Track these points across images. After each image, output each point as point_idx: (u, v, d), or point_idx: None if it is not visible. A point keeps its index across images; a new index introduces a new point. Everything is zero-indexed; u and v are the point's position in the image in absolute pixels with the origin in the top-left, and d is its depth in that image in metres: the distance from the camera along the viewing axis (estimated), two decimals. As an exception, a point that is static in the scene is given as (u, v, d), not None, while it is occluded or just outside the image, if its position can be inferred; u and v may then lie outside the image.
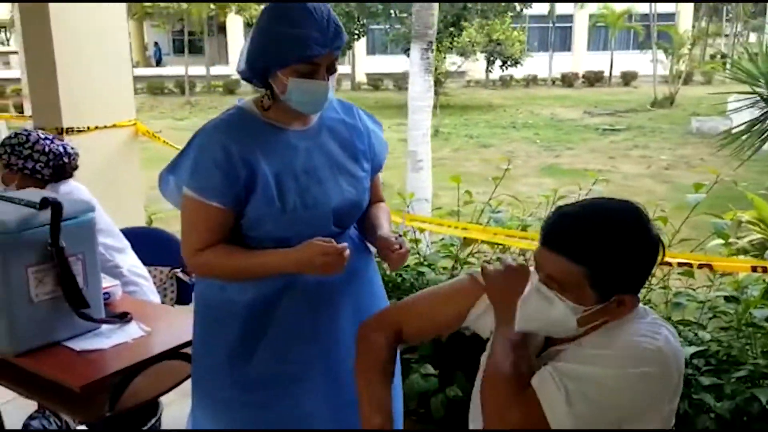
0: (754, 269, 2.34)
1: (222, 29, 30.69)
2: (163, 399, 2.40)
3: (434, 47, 5.44)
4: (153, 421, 2.36)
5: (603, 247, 1.23)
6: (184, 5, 22.42)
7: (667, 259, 2.48)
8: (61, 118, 3.63)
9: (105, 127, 3.86)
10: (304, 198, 1.64)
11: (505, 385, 1.28)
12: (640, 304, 1.36)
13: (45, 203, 1.82)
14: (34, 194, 1.94)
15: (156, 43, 32.62)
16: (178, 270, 2.88)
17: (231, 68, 28.89)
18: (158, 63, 31.87)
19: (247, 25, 27.79)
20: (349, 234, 1.77)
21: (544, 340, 1.41)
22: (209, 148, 1.60)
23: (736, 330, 2.56)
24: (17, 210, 1.83)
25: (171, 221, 5.33)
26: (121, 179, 3.94)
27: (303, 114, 1.70)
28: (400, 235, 1.76)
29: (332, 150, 1.73)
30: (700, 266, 2.36)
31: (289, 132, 1.69)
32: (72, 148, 2.55)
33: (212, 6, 23.38)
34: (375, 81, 26.30)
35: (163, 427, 2.50)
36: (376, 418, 1.44)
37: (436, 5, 5.43)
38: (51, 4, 3.53)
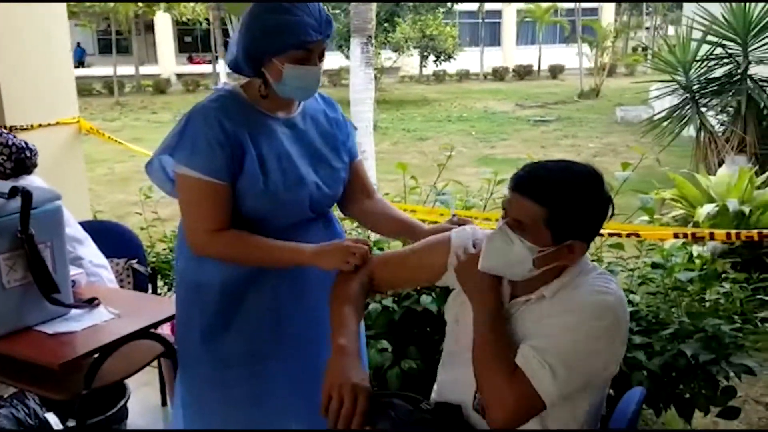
0: (676, 236, 2.57)
1: (149, 28, 29.98)
2: (130, 384, 2.47)
3: (373, 41, 5.59)
4: (121, 403, 2.42)
5: (561, 190, 1.42)
6: (111, 4, 21.82)
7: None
8: (3, 116, 3.61)
9: (48, 124, 3.86)
10: (286, 179, 1.72)
11: (496, 367, 1.42)
12: (587, 258, 1.53)
13: (14, 192, 1.88)
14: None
15: (78, 44, 31.55)
16: (134, 261, 2.93)
17: (160, 67, 28.33)
18: (80, 64, 30.80)
19: (177, 22, 27.28)
20: (325, 218, 1.87)
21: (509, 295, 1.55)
22: (207, 127, 1.66)
23: (663, 294, 2.80)
24: (-15, 200, 1.87)
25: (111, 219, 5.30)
26: (67, 176, 3.94)
27: (288, 102, 1.79)
28: (454, 215, 1.86)
29: (313, 139, 1.81)
30: (629, 235, 2.58)
31: (274, 119, 1.76)
32: (33, 145, 2.60)
33: (140, 4, 22.83)
34: (309, 78, 26.15)
35: (129, 410, 2.56)
36: (341, 340, 1.52)
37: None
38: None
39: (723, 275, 2.79)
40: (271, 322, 1.78)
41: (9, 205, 1.88)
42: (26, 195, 1.87)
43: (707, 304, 2.76)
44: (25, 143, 2.59)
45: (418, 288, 2.75)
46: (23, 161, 2.55)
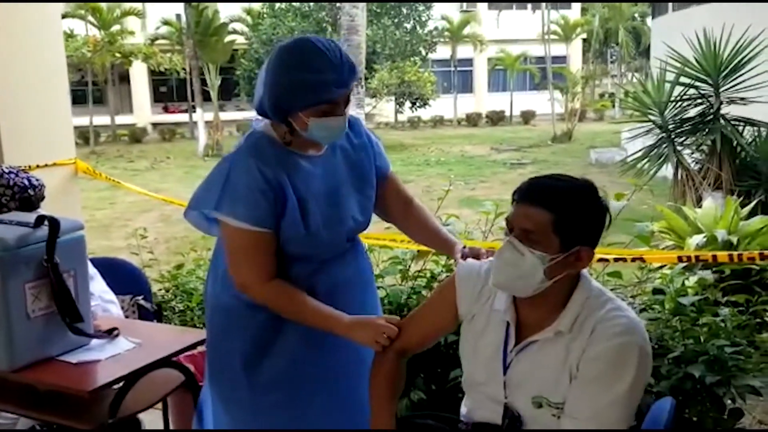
0: (680, 259, 2.64)
1: (123, 78, 30.06)
2: (144, 418, 2.43)
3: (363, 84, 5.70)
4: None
5: (566, 197, 1.49)
6: (89, 54, 21.97)
7: (603, 255, 2.77)
8: (2, 156, 3.60)
9: (46, 165, 3.85)
10: (325, 220, 1.74)
11: None
12: (589, 278, 1.59)
13: (40, 221, 1.89)
14: (22, 215, 2.00)
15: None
16: (140, 297, 2.92)
17: (135, 117, 28.33)
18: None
19: (152, 72, 27.42)
20: (354, 244, 1.90)
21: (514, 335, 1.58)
22: (247, 175, 1.65)
23: (665, 321, 2.86)
24: (12, 229, 1.88)
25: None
26: (63, 216, 3.92)
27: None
28: (464, 246, 1.89)
29: (344, 173, 1.82)
30: (633, 260, 2.64)
31: (306, 158, 1.76)
32: (37, 180, 2.59)
33: (117, 54, 22.98)
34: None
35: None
36: (379, 420, 1.68)
37: (363, 44, 5.71)
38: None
39: (722, 300, 2.86)
40: (309, 346, 1.79)
41: (34, 234, 1.89)
42: (53, 223, 1.88)
43: (704, 328, 2.82)
44: (28, 180, 2.56)
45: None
46: (28, 199, 2.53)
